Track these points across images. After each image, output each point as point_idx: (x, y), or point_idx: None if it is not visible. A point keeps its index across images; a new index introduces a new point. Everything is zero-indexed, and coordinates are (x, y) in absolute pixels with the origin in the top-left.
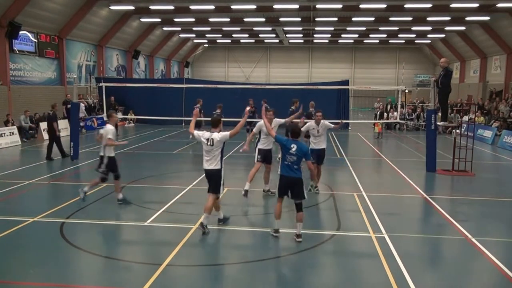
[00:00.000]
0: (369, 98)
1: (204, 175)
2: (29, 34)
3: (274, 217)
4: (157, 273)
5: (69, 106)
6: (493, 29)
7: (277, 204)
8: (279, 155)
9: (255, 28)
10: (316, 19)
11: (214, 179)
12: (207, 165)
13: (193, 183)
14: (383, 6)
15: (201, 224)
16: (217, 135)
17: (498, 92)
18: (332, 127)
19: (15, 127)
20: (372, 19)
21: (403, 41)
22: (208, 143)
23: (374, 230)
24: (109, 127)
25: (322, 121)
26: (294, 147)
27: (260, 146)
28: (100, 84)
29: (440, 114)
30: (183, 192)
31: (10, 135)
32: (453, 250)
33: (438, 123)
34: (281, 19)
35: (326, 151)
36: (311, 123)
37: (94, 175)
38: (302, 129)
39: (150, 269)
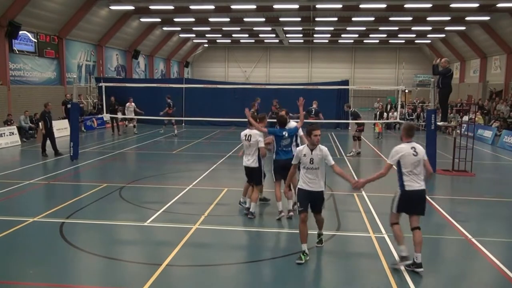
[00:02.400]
0: (369, 98)
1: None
2: (29, 34)
3: (275, 200)
4: (157, 273)
5: (68, 106)
6: (493, 29)
7: (276, 188)
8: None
9: (255, 28)
10: (316, 19)
11: (255, 175)
12: (247, 162)
13: (193, 183)
14: (383, 6)
15: (250, 212)
16: (255, 131)
17: (498, 92)
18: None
19: (15, 127)
20: (372, 19)
21: (403, 41)
22: (246, 139)
23: (374, 230)
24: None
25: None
26: (285, 133)
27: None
28: (100, 84)
29: (440, 114)
30: (183, 192)
31: (10, 135)
32: (453, 250)
33: (438, 123)
34: (281, 19)
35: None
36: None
37: (94, 175)
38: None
39: (150, 269)
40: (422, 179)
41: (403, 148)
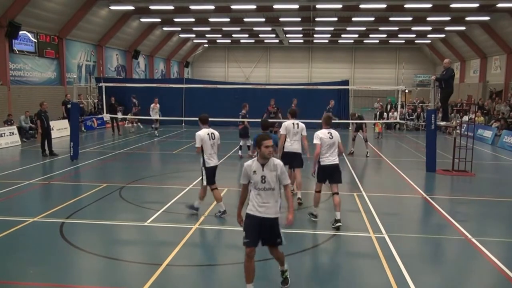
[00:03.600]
0: (369, 98)
1: None
2: (29, 34)
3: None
4: (157, 273)
5: (68, 106)
6: (493, 29)
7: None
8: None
9: (255, 28)
10: (316, 19)
11: (297, 160)
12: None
13: (193, 183)
14: (383, 6)
15: (299, 198)
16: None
17: (498, 92)
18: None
19: (15, 127)
20: (372, 19)
21: (403, 41)
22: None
23: (374, 230)
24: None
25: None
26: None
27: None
28: (100, 84)
29: (440, 114)
30: (183, 192)
31: (10, 135)
32: (453, 250)
33: (440, 123)
34: (281, 19)
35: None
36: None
37: (94, 175)
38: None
39: (150, 269)
40: (336, 156)
41: (322, 132)
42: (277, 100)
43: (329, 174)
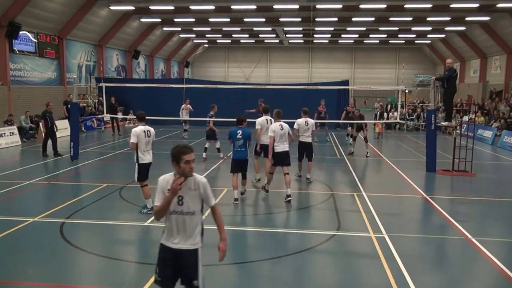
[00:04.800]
0: (369, 98)
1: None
2: (29, 34)
3: (232, 188)
4: None
5: (69, 106)
6: (493, 29)
7: (234, 179)
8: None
9: (255, 28)
10: (316, 19)
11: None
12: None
13: None
14: (383, 6)
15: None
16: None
17: (498, 92)
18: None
19: (15, 127)
20: (372, 19)
21: (403, 41)
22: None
23: (374, 230)
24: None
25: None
26: (239, 132)
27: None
28: (100, 84)
29: (444, 114)
30: None
31: (10, 135)
32: (453, 250)
33: (443, 123)
34: (281, 19)
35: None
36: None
37: (94, 175)
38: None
39: (151, 269)
40: (286, 144)
41: (275, 126)
42: (277, 100)
43: (280, 159)
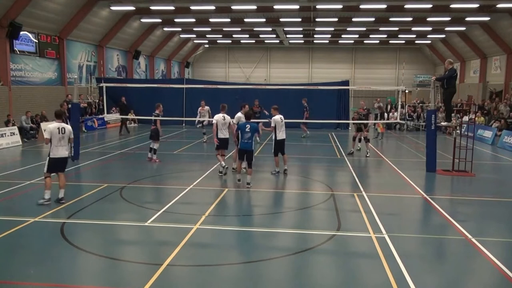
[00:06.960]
0: (369, 99)
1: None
2: (29, 35)
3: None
4: (157, 273)
5: (69, 106)
6: (493, 29)
7: (239, 163)
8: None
9: (255, 29)
10: (317, 19)
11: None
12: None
13: (194, 183)
14: (383, 6)
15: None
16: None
17: (498, 92)
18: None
19: (15, 127)
20: (372, 19)
21: (403, 42)
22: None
23: (374, 230)
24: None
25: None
26: (248, 126)
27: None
28: (101, 85)
29: (444, 114)
30: (183, 192)
31: (11, 135)
32: (453, 250)
33: (443, 123)
34: (281, 19)
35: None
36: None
37: (95, 175)
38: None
39: (151, 269)
40: (227, 132)
41: (218, 116)
42: (276, 100)
43: (224, 144)
